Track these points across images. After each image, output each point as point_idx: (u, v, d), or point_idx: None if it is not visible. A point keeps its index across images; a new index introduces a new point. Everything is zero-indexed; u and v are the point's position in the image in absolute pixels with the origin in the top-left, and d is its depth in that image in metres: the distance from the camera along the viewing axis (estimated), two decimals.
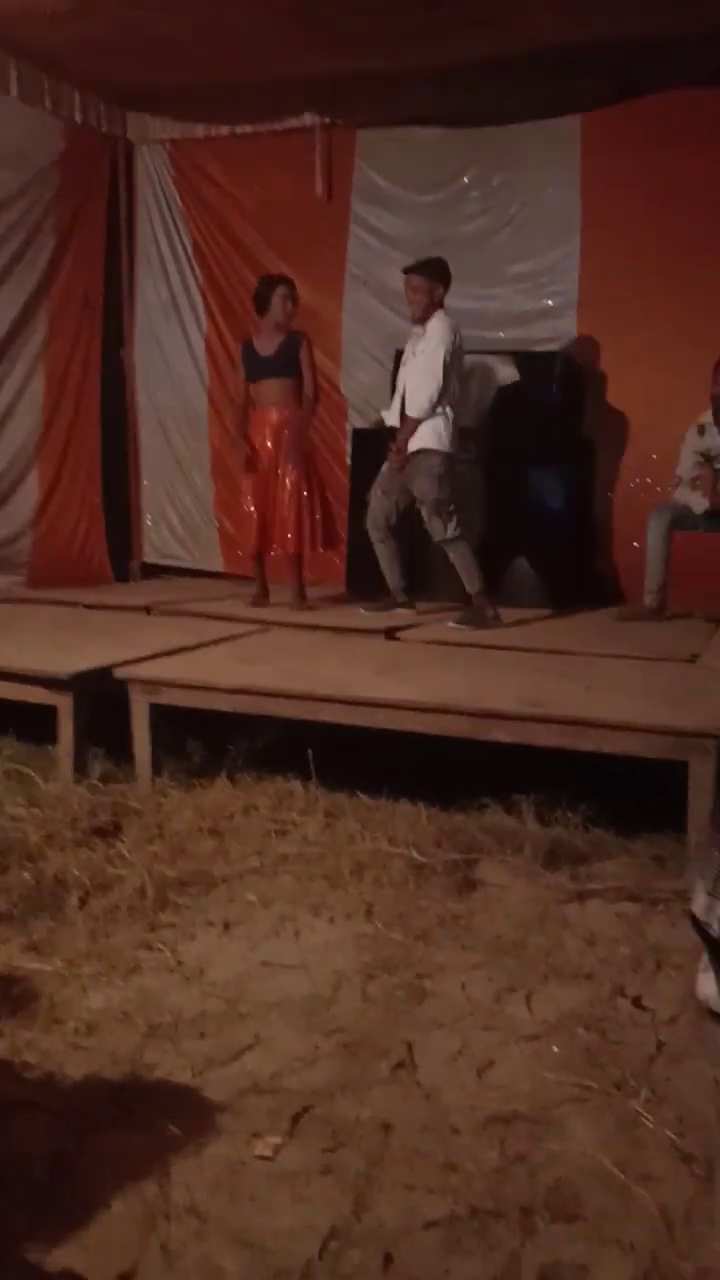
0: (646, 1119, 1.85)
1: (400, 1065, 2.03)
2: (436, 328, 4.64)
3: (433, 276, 4.67)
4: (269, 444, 4.99)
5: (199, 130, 6.18)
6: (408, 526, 4.91)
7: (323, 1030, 2.15)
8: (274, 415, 4.99)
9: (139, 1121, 1.85)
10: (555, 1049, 2.09)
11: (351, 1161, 1.75)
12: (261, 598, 5.23)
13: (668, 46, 4.92)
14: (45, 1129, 1.82)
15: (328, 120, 5.89)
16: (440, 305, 4.69)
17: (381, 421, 5.04)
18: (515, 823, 3.11)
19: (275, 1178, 1.71)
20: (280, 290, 4.95)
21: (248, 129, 6.05)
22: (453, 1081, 1.99)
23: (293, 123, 5.95)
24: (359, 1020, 2.20)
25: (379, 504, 4.89)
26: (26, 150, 5.69)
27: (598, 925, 2.61)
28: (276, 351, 4.96)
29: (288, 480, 4.98)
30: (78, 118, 5.88)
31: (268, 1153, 1.76)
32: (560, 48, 5.01)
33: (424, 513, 4.74)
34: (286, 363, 4.96)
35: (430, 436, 4.65)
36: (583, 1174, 1.72)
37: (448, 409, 4.67)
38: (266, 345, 5.00)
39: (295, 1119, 1.86)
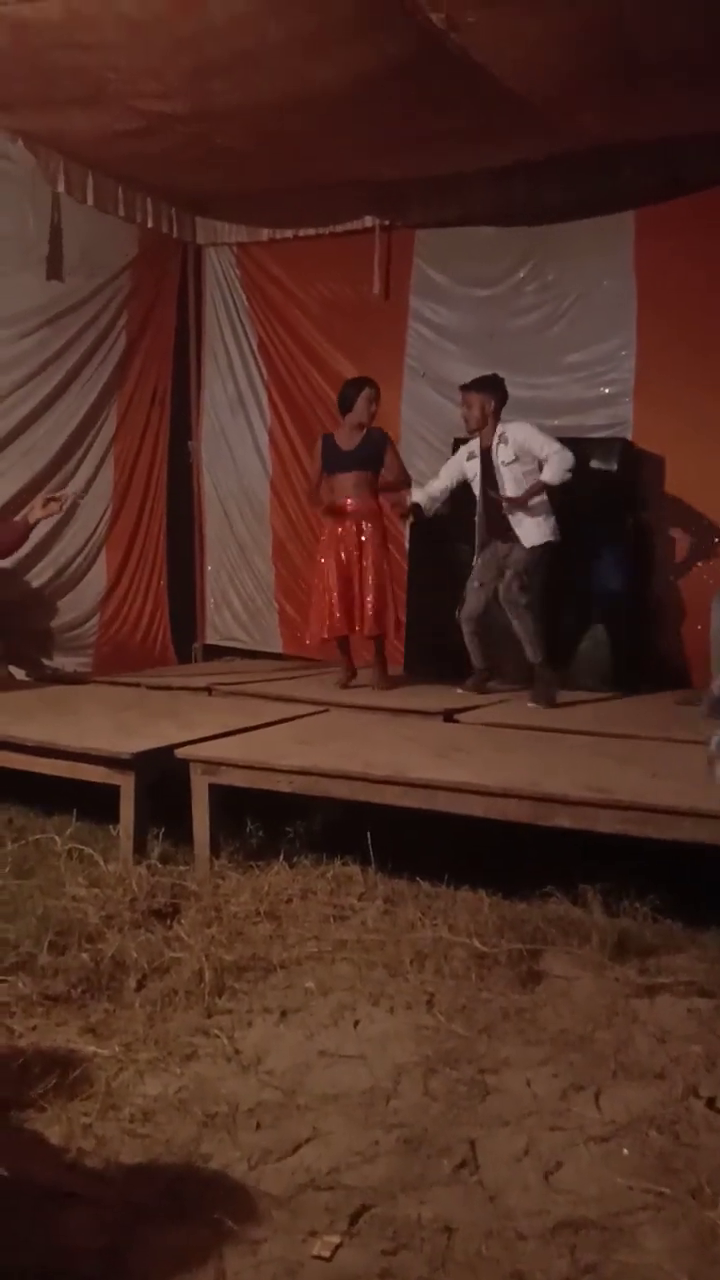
0: None
1: (463, 1164, 1.96)
2: (520, 429, 4.80)
3: (483, 391, 4.89)
4: (346, 533, 5.16)
5: (264, 233, 6.46)
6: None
7: (382, 1125, 2.09)
8: (350, 505, 5.18)
9: (194, 1214, 1.80)
10: (626, 1151, 2.00)
11: (413, 1266, 1.68)
12: (350, 677, 5.33)
13: (714, 141, 5.07)
14: (97, 1220, 1.78)
15: (386, 222, 6.12)
16: (496, 418, 4.87)
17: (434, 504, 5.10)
18: (581, 913, 3.03)
19: None
20: (366, 392, 5.18)
21: (310, 231, 6.31)
22: (518, 1183, 1.91)
23: (353, 225, 6.18)
24: (420, 1116, 2.13)
25: (476, 598, 4.97)
26: (101, 254, 5.99)
27: (668, 1021, 2.52)
28: (357, 446, 5.19)
29: (371, 567, 5.15)
30: (149, 223, 6.18)
31: (325, 1253, 1.70)
32: (609, 146, 5.21)
33: (507, 575, 4.82)
34: (366, 457, 5.19)
35: (548, 531, 4.81)
36: None
37: (548, 501, 4.83)
38: (348, 441, 5.22)
39: (354, 1218, 1.80)
